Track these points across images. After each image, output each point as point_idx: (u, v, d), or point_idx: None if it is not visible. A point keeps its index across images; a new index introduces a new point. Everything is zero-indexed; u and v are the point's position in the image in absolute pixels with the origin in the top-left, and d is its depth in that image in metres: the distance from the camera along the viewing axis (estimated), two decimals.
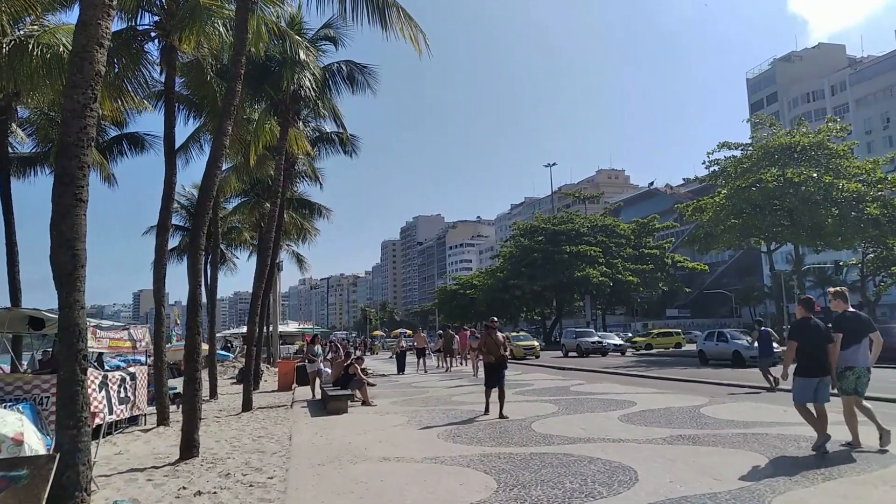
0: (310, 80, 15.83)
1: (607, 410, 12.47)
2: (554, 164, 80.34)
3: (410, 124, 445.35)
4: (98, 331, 11.72)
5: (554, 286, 58.30)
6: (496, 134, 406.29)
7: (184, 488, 7.35)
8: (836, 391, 7.85)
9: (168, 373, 36.69)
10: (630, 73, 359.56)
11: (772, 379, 15.20)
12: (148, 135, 19.38)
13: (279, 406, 16.95)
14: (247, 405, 15.33)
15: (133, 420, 13.36)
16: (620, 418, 11.37)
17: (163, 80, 14.10)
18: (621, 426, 10.50)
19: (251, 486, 7.36)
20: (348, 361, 16.46)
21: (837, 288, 8.31)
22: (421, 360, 28.20)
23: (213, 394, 20.03)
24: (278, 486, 7.31)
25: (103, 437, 11.72)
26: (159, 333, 13.16)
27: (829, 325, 8.05)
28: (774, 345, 17.19)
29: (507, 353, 12.85)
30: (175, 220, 35.07)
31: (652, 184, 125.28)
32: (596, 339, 40.81)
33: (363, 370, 27.82)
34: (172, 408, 13.99)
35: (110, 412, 11.47)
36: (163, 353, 13.22)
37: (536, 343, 41.20)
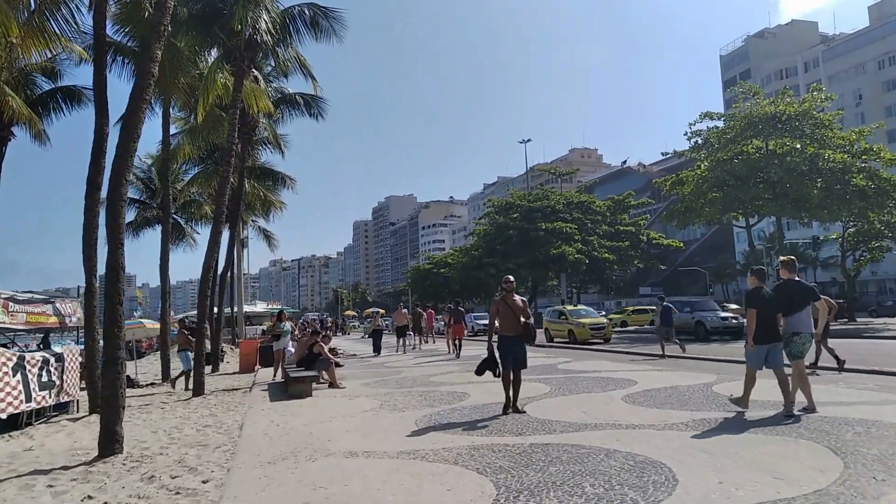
0: (267, 24, 13.99)
1: (606, 390, 11.01)
2: (528, 140, 78.62)
3: (382, 103, 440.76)
4: (11, 304, 9.92)
5: (529, 264, 56.84)
6: (468, 113, 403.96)
7: (89, 497, 5.69)
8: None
9: (127, 354, 34.81)
10: (603, 51, 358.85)
11: (677, 342, 18.92)
12: (87, 89, 17.32)
13: (237, 389, 15.30)
14: (198, 389, 13.63)
15: (62, 407, 11.59)
16: (625, 399, 9.91)
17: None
18: (629, 408, 9.03)
19: (177, 493, 5.72)
20: (313, 340, 14.75)
21: (786, 257, 8.59)
22: (401, 340, 25.18)
23: (167, 377, 18.27)
24: (212, 493, 5.68)
25: (22, 427, 10.01)
26: (90, 308, 11.35)
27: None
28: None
29: (530, 323, 9.31)
30: (132, 194, 32.95)
31: (625, 162, 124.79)
32: None
33: (332, 350, 26.30)
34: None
35: (28, 399, 9.75)
36: (94, 330, 11.41)
37: (606, 320, 30.12)
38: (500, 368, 9.23)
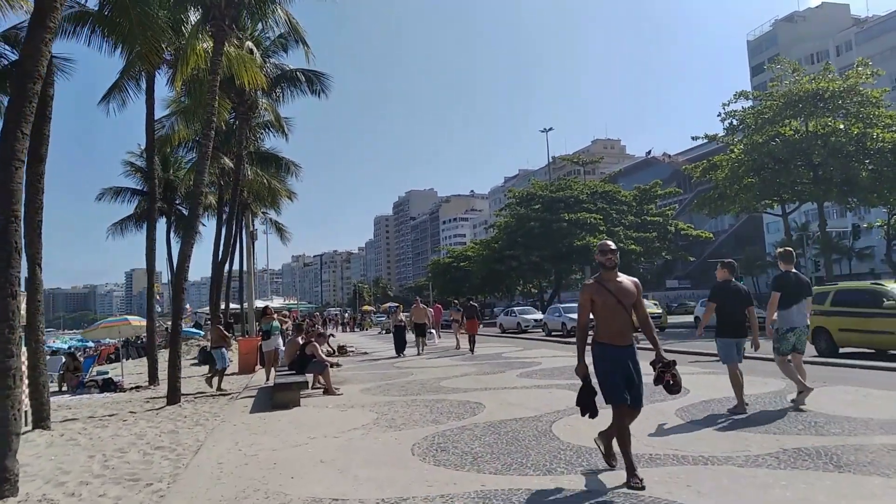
0: None
1: (654, 401, 8.99)
2: (550, 128, 76.09)
3: (402, 98, 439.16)
4: None
5: (552, 256, 54.61)
6: (489, 106, 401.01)
7: None
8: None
9: (133, 351, 33.06)
10: (626, 40, 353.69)
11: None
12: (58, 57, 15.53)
13: (225, 394, 13.50)
14: (173, 396, 11.81)
15: None
16: (678, 413, 7.90)
17: None
18: (688, 429, 7.03)
19: None
20: (306, 339, 12.85)
21: (782, 249, 8.48)
22: (420, 340, 21.46)
23: (153, 379, 16.56)
24: None
25: None
26: (33, 304, 9.55)
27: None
28: None
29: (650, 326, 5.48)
30: (130, 184, 31.43)
31: (649, 153, 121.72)
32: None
33: (341, 348, 24.47)
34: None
35: None
36: (37, 326, 9.61)
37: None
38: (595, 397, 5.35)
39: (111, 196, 31.39)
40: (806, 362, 8.95)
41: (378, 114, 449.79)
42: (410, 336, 22.46)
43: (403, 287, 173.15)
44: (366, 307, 76.40)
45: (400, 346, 20.77)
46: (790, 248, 8.47)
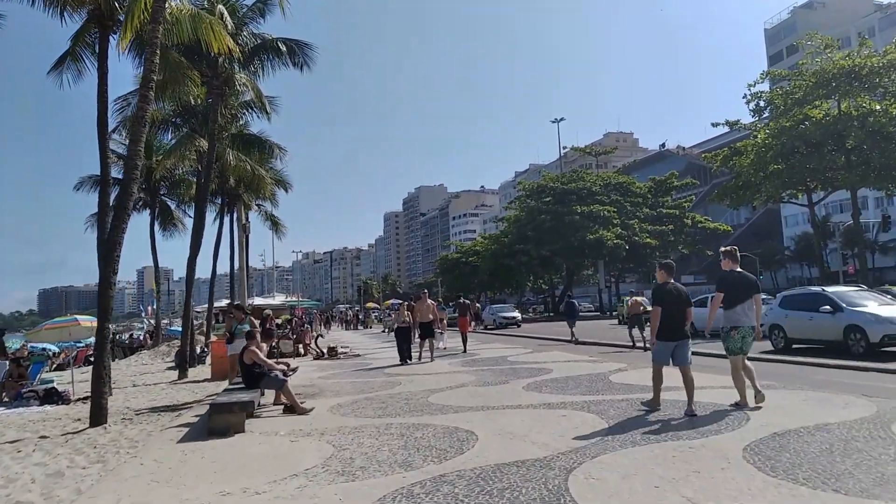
0: None
1: (710, 430, 6.64)
2: (562, 118, 73.23)
3: (412, 94, 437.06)
4: None
5: (564, 251, 52.25)
6: (499, 100, 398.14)
7: None
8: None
9: (119, 352, 30.88)
10: (638, 34, 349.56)
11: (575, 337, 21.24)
12: None
13: (173, 409, 11.28)
14: (96, 416, 9.57)
15: None
16: (748, 454, 5.57)
17: None
18: (764, 476, 4.71)
19: None
20: (247, 344, 10.30)
21: (728, 247, 8.28)
22: (426, 343, 17.51)
23: (106, 389, 14.33)
24: None
25: None
26: None
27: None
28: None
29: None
30: (112, 172, 29.28)
31: (663, 145, 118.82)
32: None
33: (331, 349, 22.13)
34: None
35: None
36: None
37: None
38: None
39: (91, 185, 29.22)
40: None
41: (387, 109, 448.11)
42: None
43: (413, 283, 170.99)
44: (369, 304, 74.13)
45: (405, 352, 17.13)
46: (735, 247, 8.31)
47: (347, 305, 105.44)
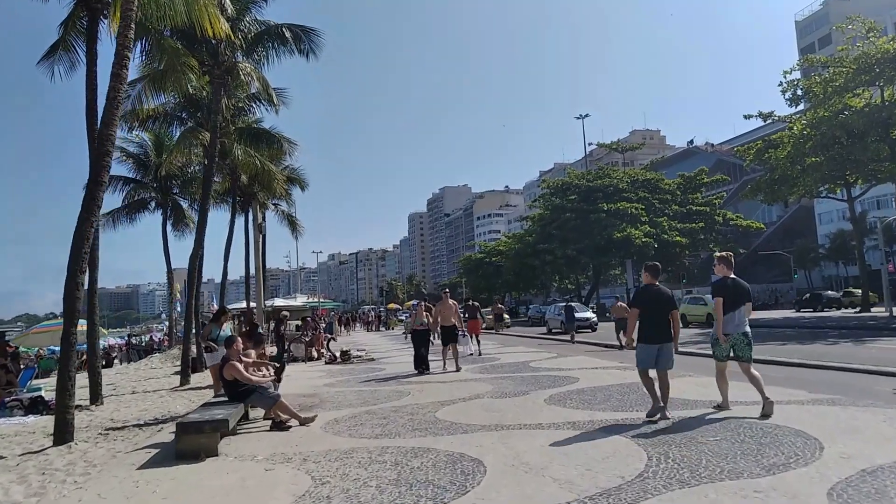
0: None
1: (776, 464, 5.31)
2: (586, 115, 71.43)
3: (434, 92, 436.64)
4: None
5: (590, 249, 50.66)
6: (523, 99, 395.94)
7: None
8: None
9: (134, 354, 30.02)
10: (664, 31, 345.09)
11: (573, 337, 23.59)
12: None
13: (153, 425, 10.18)
14: (61, 434, 8.47)
15: None
16: (838, 502, 4.26)
17: None
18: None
19: None
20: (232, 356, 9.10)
21: (723, 252, 8.18)
22: (448, 349, 15.14)
23: (95, 397, 13.38)
24: None
25: None
26: None
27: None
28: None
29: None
30: (122, 171, 28.61)
31: (691, 142, 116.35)
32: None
33: (344, 353, 20.98)
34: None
35: None
36: None
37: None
38: None
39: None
40: None
41: (412, 110, 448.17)
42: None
43: (438, 284, 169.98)
44: (391, 305, 73.10)
45: (421, 359, 15.06)
46: (731, 253, 8.28)
47: (372, 307, 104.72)
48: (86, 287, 11.00)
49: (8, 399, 13.17)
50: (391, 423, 8.47)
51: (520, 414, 8.43)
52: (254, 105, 21.47)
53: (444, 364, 15.15)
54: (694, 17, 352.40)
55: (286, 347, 22.57)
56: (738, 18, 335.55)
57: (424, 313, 15.95)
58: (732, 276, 7.89)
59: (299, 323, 31.80)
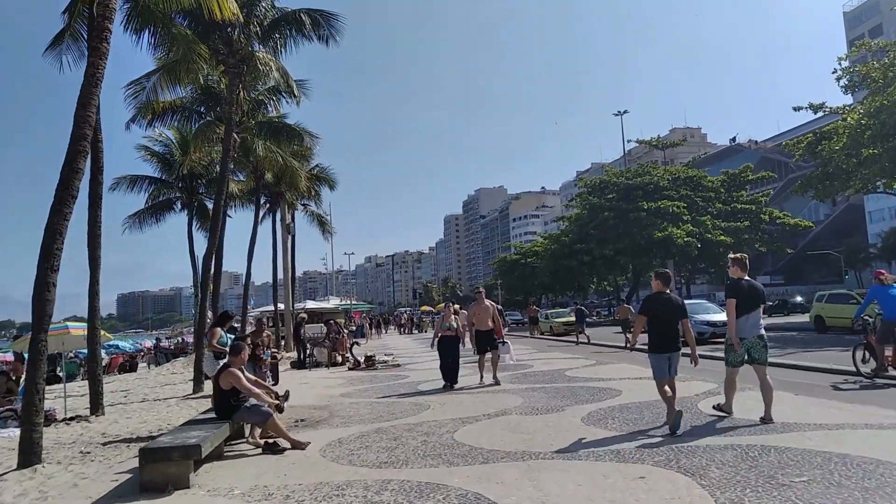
0: None
1: None
2: (625, 111, 69.46)
3: (470, 94, 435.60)
4: None
5: (629, 250, 48.82)
6: (559, 99, 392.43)
7: None
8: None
9: (162, 357, 29.38)
10: (703, 25, 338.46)
11: (584, 336, 24.21)
12: None
13: (145, 441, 9.11)
14: (26, 455, 7.43)
15: None
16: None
17: None
18: None
19: None
20: (231, 362, 7.97)
21: (737, 254, 8.12)
22: (493, 356, 12.90)
23: (96, 408, 12.44)
24: None
25: None
26: None
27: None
28: None
29: None
30: (148, 171, 28.01)
31: (734, 139, 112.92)
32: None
33: (368, 358, 19.84)
34: None
35: None
36: None
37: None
38: None
39: (126, 186, 27.89)
40: None
41: (446, 111, 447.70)
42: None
43: (474, 286, 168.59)
44: (424, 307, 72.03)
45: (449, 371, 12.64)
46: (745, 255, 8.15)
47: (408, 309, 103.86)
48: (87, 289, 10.01)
49: (2, 409, 12.30)
50: (401, 445, 7.26)
51: (552, 437, 7.14)
52: (274, 98, 20.47)
53: (481, 376, 12.95)
54: (732, 14, 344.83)
55: (308, 352, 21.60)
56: (778, 13, 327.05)
57: (453, 316, 13.18)
58: (747, 277, 7.74)
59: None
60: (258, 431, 7.89)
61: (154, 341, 50.85)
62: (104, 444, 9.15)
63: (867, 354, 10.88)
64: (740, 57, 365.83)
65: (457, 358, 12.86)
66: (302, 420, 9.75)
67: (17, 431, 11.26)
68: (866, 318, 11.66)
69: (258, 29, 16.12)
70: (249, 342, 10.23)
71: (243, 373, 7.63)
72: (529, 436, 7.29)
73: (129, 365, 27.95)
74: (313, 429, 8.91)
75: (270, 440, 7.56)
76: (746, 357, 7.52)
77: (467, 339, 13.55)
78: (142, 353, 41.65)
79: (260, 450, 7.53)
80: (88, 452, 8.55)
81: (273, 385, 8.97)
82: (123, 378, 24.16)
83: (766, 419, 7.22)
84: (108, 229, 29.29)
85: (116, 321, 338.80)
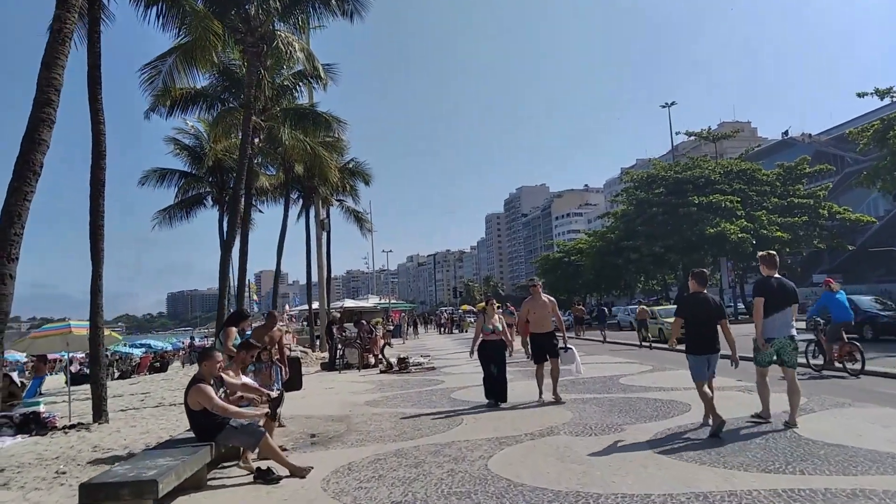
0: None
1: None
2: (673, 103, 66.63)
3: (513, 93, 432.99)
4: None
5: (679, 247, 46.57)
6: (602, 93, 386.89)
7: None
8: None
9: (196, 357, 28.69)
10: (754, 16, 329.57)
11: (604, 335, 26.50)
12: None
13: (131, 457, 7.86)
14: None
15: None
16: None
17: None
18: None
19: None
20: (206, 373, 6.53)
21: (767, 252, 7.74)
22: (552, 366, 10.20)
23: (98, 414, 11.31)
24: None
25: None
26: None
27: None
28: None
29: None
30: (177, 165, 27.19)
31: (786, 133, 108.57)
32: None
33: (401, 360, 18.50)
34: None
35: None
36: None
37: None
38: None
39: (156, 180, 27.11)
40: None
41: (485, 107, 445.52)
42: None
43: (516, 285, 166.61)
44: (464, 306, 70.54)
45: (495, 385, 10.14)
46: (773, 252, 7.71)
47: (449, 308, 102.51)
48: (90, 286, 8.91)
49: None
50: (422, 476, 5.82)
51: (613, 470, 5.60)
52: (301, 83, 19.27)
53: (539, 392, 10.23)
54: (777, 9, 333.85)
55: (340, 353, 20.35)
56: (828, 6, 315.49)
57: (497, 316, 10.61)
58: (777, 275, 7.50)
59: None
60: (252, 453, 6.55)
61: (189, 340, 50.49)
62: (89, 462, 7.93)
63: (817, 350, 12.71)
64: (791, 49, 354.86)
65: (503, 368, 10.25)
66: (313, 435, 8.42)
67: (7, 441, 10.26)
68: (818, 319, 13.15)
69: (277, 4, 14.86)
70: (253, 340, 8.90)
71: (223, 383, 6.28)
72: (583, 468, 5.76)
73: (159, 364, 27.21)
74: (324, 448, 7.55)
75: (264, 466, 6.20)
76: (775, 358, 7.31)
77: (518, 344, 11.74)
78: (181, 352, 41.37)
79: (252, 476, 6.18)
80: (64, 473, 7.35)
81: (276, 392, 7.55)
82: (150, 379, 23.33)
83: (790, 424, 7.01)
84: (162, 231, 28.57)
85: (166, 319, 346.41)
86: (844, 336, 12.16)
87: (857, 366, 11.65)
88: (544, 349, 10.21)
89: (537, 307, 10.36)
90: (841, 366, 11.89)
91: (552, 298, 10.71)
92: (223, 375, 6.69)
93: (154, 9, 13.17)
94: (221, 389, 6.43)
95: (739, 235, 43.47)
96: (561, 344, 10.43)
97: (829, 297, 12.61)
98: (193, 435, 6.31)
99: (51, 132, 6.89)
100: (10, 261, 6.42)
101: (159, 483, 4.62)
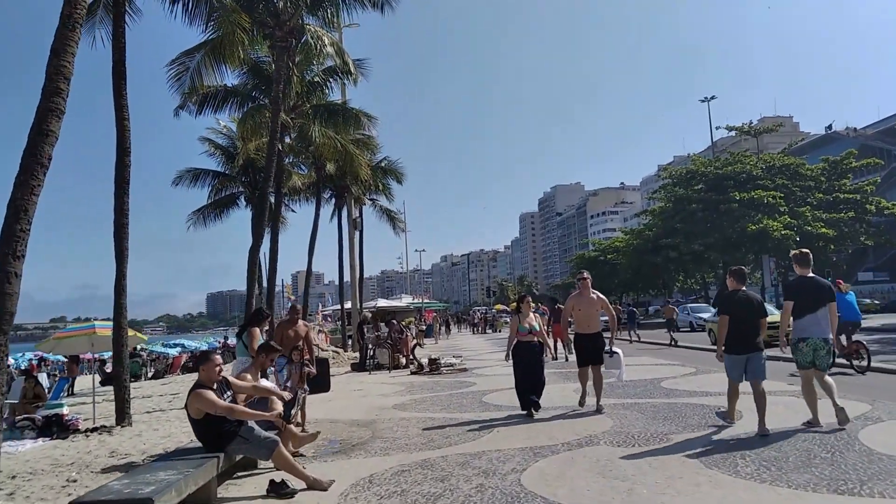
0: None
1: None
2: (713, 97, 64.96)
3: (549, 91, 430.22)
4: None
5: (719, 244, 45.28)
6: (638, 89, 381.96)
7: None
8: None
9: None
10: (794, 13, 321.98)
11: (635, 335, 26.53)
12: None
13: (148, 462, 7.51)
14: None
15: None
16: None
17: None
18: None
19: None
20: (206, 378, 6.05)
21: (799, 250, 7.66)
22: (587, 372, 9.28)
23: (122, 417, 11.05)
24: None
25: None
26: None
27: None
28: None
29: None
30: (210, 165, 27.16)
31: (830, 127, 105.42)
32: None
33: (432, 361, 18.02)
34: None
35: None
36: None
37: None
38: None
39: (190, 180, 27.08)
40: None
41: (519, 106, 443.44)
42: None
43: (550, 285, 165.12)
44: (498, 306, 69.82)
45: (528, 392, 9.04)
46: (806, 251, 7.58)
47: (482, 308, 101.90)
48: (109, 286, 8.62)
49: (19, 417, 11.08)
50: (448, 492, 5.30)
51: (661, 489, 5.02)
52: (332, 80, 18.91)
53: (582, 397, 9.37)
54: (819, 1, 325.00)
55: (370, 353, 19.95)
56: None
57: (532, 315, 9.53)
58: (811, 274, 7.37)
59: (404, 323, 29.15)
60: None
61: (223, 338, 50.83)
62: (103, 469, 7.59)
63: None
64: (831, 45, 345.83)
65: (540, 373, 9.22)
66: (337, 442, 7.97)
67: (28, 444, 10.03)
68: None
69: None
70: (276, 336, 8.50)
71: (228, 386, 5.84)
72: (626, 485, 5.18)
73: (192, 364, 27.23)
74: (346, 456, 7.10)
75: (278, 478, 5.74)
76: (811, 358, 7.08)
77: (560, 348, 10.89)
78: (217, 351, 41.49)
79: (265, 491, 5.74)
80: (75, 481, 7.03)
81: (289, 395, 7.10)
82: (182, 379, 23.26)
83: (813, 423, 6.99)
84: (201, 232, 28.64)
85: (206, 319, 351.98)
86: (850, 335, 12.36)
87: (864, 363, 11.99)
88: (590, 352, 9.16)
89: (583, 303, 9.19)
90: (848, 362, 12.11)
91: (602, 295, 9.54)
92: (231, 378, 6.28)
93: (180, 3, 12.87)
94: (227, 393, 5.99)
95: (783, 232, 42.06)
96: (607, 347, 9.35)
97: (839, 297, 12.18)
98: (194, 447, 5.90)
99: (60, 123, 6.54)
100: (15, 258, 6.08)
101: (155, 502, 4.17)
